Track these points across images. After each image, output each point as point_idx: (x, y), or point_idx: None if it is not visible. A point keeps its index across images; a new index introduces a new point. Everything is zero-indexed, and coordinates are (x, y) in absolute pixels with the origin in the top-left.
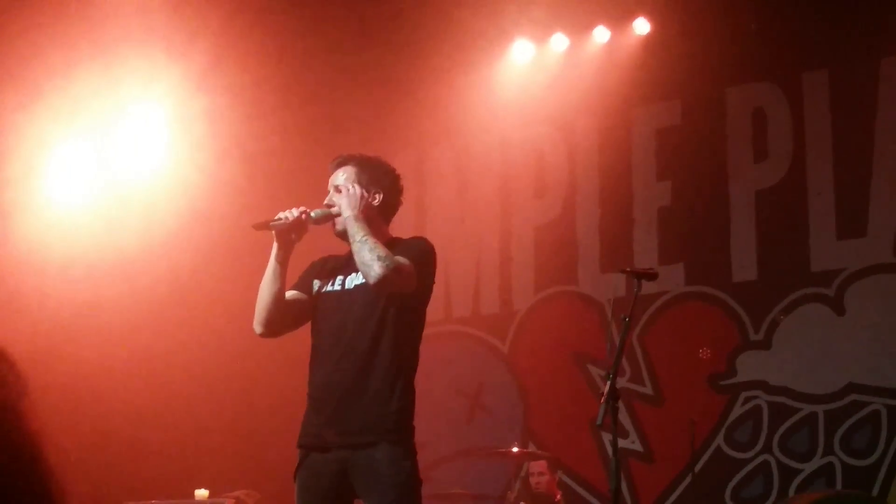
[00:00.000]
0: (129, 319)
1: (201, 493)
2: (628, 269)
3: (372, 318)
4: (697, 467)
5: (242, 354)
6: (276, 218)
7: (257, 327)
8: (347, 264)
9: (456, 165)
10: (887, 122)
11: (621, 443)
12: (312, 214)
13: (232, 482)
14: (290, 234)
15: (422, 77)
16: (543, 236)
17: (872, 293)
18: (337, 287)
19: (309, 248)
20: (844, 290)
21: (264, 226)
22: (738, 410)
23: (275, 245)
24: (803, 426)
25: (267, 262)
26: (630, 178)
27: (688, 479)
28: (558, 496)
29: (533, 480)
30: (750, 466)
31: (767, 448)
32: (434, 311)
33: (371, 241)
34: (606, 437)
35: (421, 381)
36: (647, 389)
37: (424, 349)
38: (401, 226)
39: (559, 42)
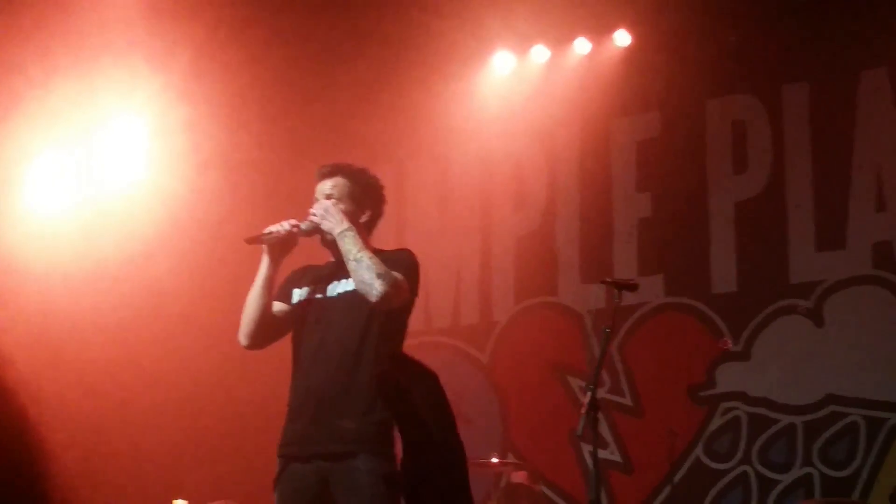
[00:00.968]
0: (108, 329)
1: (180, 503)
2: (608, 280)
3: (354, 329)
4: (676, 478)
5: (222, 364)
6: (266, 232)
7: (243, 339)
8: (328, 273)
9: (436, 176)
10: (866, 134)
11: (601, 454)
12: (303, 227)
13: (211, 492)
14: (280, 248)
15: (402, 88)
16: (523, 247)
17: (851, 305)
18: (319, 296)
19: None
20: (823, 302)
21: (256, 240)
22: (717, 421)
23: (265, 259)
24: (782, 437)
25: (248, 272)
26: (610, 189)
27: (667, 490)
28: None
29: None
30: (729, 477)
31: (746, 459)
32: (414, 321)
33: (368, 257)
34: (586, 448)
35: None
36: (627, 400)
37: None
38: (381, 237)
39: (540, 54)
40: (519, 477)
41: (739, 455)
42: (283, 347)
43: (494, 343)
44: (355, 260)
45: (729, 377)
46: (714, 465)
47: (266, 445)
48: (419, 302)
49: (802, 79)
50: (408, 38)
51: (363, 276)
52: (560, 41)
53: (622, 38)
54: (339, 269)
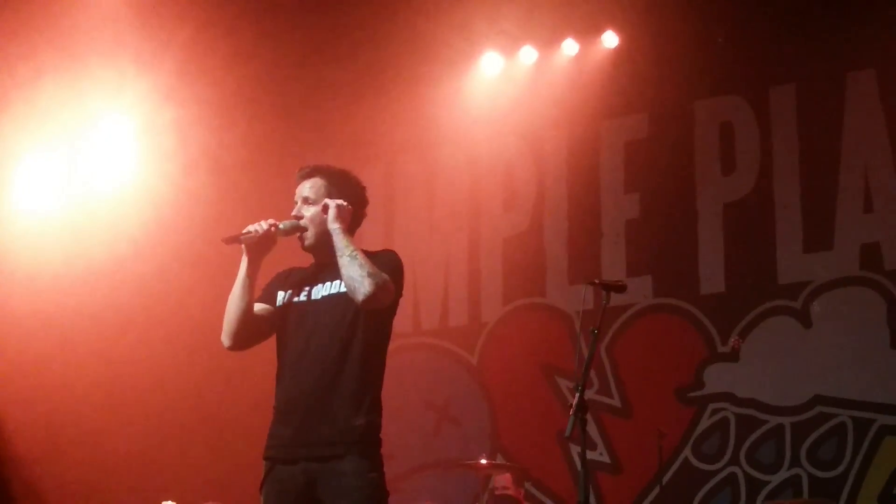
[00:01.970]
0: (96, 330)
1: None
2: (597, 281)
3: (339, 331)
4: (665, 479)
5: (209, 365)
6: (244, 231)
7: (225, 340)
8: (313, 275)
9: (425, 178)
10: (853, 135)
11: (589, 455)
12: (281, 226)
13: (199, 494)
14: (259, 248)
15: (391, 89)
16: (512, 248)
17: (839, 306)
18: (303, 298)
19: (275, 258)
20: (811, 303)
21: (234, 240)
22: (705, 422)
23: (244, 258)
24: (770, 438)
25: (234, 273)
26: (598, 190)
27: (655, 491)
28: None
29: (497, 493)
30: (717, 478)
31: (735, 460)
32: (402, 323)
33: (360, 256)
34: (575, 449)
35: (389, 393)
36: (615, 401)
37: (393, 361)
38: (369, 238)
39: (528, 55)
40: (504, 479)
41: (728, 456)
42: (272, 349)
43: (483, 344)
44: (349, 256)
45: (717, 378)
46: (702, 466)
47: (255, 447)
48: (407, 303)
49: (790, 80)
50: (396, 39)
51: (354, 272)
52: (548, 42)
53: (610, 39)
54: (323, 272)
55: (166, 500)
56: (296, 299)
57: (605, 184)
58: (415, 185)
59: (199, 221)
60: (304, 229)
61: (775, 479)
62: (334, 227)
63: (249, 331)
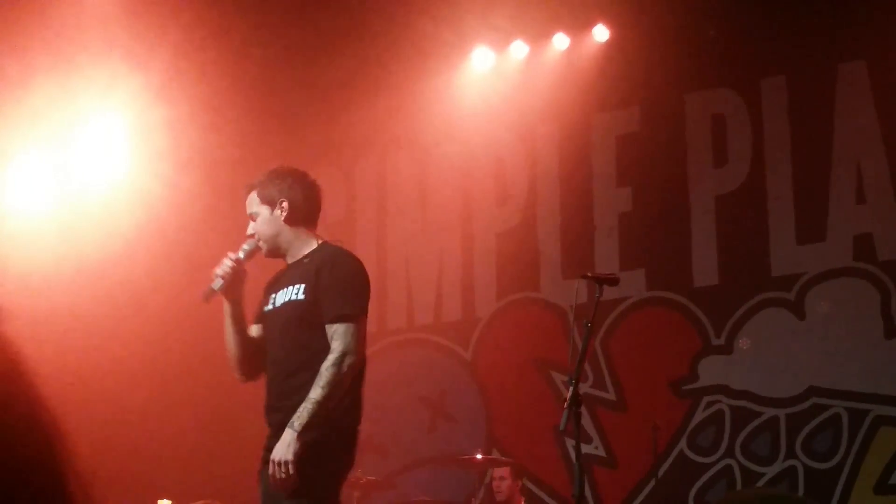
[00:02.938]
0: (88, 329)
1: (164, 503)
2: (590, 275)
3: (294, 345)
4: (660, 472)
5: (202, 363)
6: (214, 281)
7: (237, 376)
8: (279, 281)
9: (417, 173)
10: (845, 126)
11: (584, 448)
12: (241, 255)
13: (195, 492)
14: (234, 285)
15: (382, 85)
16: (505, 243)
17: (832, 297)
18: (269, 307)
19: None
20: (805, 295)
21: (212, 295)
22: (700, 415)
23: (225, 303)
24: (765, 430)
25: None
26: (590, 184)
27: (651, 484)
28: (521, 502)
29: (494, 485)
30: (713, 471)
31: (730, 452)
32: (396, 318)
33: (320, 399)
34: (570, 443)
35: (383, 389)
36: (610, 395)
37: (387, 357)
38: (363, 233)
39: (519, 49)
40: (502, 471)
41: (723, 448)
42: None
43: (477, 339)
44: (325, 398)
45: (711, 371)
46: (698, 459)
47: (248, 444)
48: (401, 299)
49: (781, 72)
50: (388, 34)
51: (336, 393)
52: (539, 37)
53: (601, 33)
54: (286, 276)
55: (162, 498)
56: (265, 308)
57: (598, 177)
58: (407, 180)
59: (191, 220)
60: (258, 244)
61: (770, 472)
62: (297, 427)
63: (255, 359)
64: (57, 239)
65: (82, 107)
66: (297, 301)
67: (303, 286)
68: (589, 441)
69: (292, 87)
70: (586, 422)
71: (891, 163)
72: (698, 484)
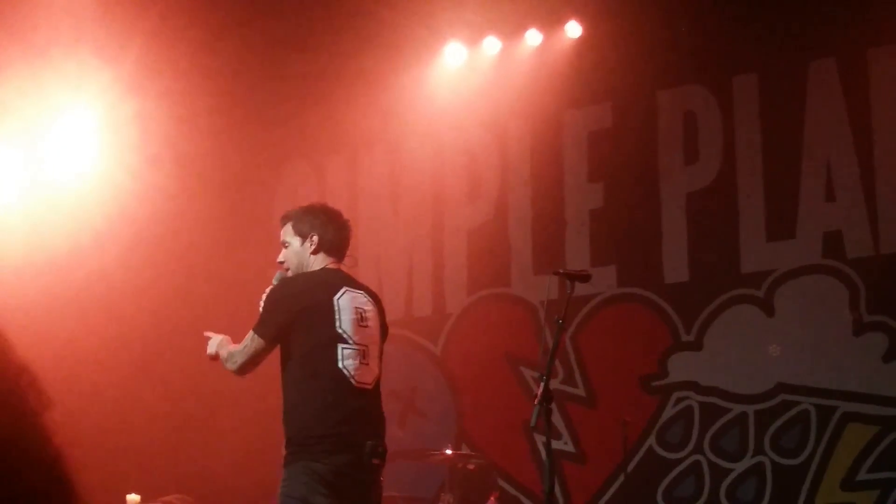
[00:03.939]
0: (57, 322)
1: (133, 497)
2: (561, 272)
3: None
4: (629, 468)
5: (172, 357)
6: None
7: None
8: None
9: (388, 168)
10: (816, 124)
11: (554, 444)
12: (275, 282)
13: (163, 487)
14: None
15: (354, 80)
16: (476, 239)
17: (801, 294)
18: None
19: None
20: (774, 292)
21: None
22: (669, 411)
23: None
24: (734, 426)
25: (197, 264)
26: (562, 180)
27: (620, 480)
28: (494, 496)
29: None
30: (681, 467)
31: (699, 448)
32: None
33: (224, 351)
34: (540, 439)
35: None
36: (580, 391)
37: None
38: None
39: (491, 45)
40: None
41: (692, 444)
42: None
43: (447, 335)
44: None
45: (681, 367)
46: (667, 455)
47: (219, 439)
48: None
49: (752, 70)
50: (359, 29)
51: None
52: (511, 33)
53: (573, 29)
54: None
55: (130, 493)
56: None
57: (569, 173)
58: (378, 175)
59: (161, 213)
60: (287, 270)
61: (739, 467)
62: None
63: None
64: (27, 231)
65: (53, 100)
66: None
67: None
68: (558, 437)
69: (264, 80)
70: (556, 418)
71: (860, 161)
72: (667, 479)
